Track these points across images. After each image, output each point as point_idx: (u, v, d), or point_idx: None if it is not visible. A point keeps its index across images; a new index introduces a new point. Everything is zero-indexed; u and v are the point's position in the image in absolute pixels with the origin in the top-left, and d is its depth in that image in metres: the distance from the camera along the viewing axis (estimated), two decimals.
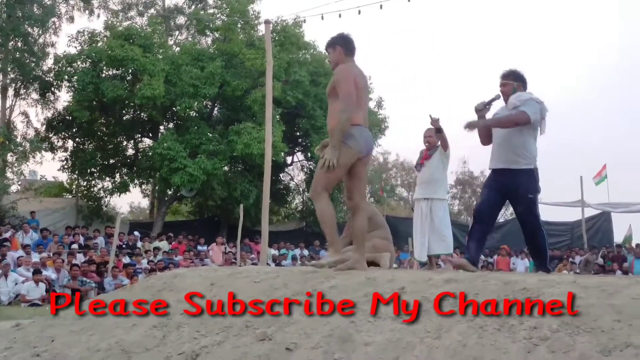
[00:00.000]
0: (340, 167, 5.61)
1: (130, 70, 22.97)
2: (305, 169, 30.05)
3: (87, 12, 27.81)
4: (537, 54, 72.43)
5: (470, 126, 6.53)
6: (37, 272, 14.17)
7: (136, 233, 21.48)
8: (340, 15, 13.58)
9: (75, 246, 17.64)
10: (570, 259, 21.35)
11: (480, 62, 73.71)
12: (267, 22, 12.66)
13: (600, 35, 72.07)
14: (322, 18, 13.96)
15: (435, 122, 8.03)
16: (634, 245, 22.40)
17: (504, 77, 6.71)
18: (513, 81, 6.65)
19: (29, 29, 23.88)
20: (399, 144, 57.37)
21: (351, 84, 5.64)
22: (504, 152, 6.52)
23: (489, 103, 6.75)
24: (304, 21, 23.57)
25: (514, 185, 6.45)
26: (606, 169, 24.69)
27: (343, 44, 6.02)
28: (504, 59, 69.93)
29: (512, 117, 6.42)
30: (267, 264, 16.48)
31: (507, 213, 42.86)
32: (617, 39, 71.95)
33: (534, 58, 71.57)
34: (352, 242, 6.15)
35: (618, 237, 26.01)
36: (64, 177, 26.86)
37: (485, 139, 6.84)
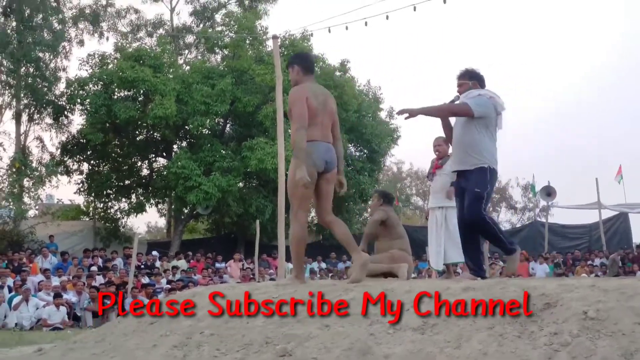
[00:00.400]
0: (307, 185, 5.72)
1: (141, 91, 23.08)
2: None
3: (96, 35, 28.06)
4: (547, 54, 72.28)
5: (403, 112, 6.36)
6: (57, 295, 14.23)
7: (155, 253, 21.53)
8: (347, 28, 13.63)
9: (94, 268, 17.71)
10: (590, 262, 21.22)
11: (489, 66, 73.56)
12: (274, 37, 12.71)
13: (606, 34, 71.84)
14: (329, 31, 14.00)
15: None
16: None
17: (459, 78, 6.63)
18: (468, 80, 6.54)
19: (40, 54, 24.08)
20: (413, 153, 57.44)
21: (301, 105, 5.78)
22: (458, 152, 6.41)
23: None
24: (312, 35, 23.68)
25: (466, 185, 6.26)
26: (622, 169, 24.57)
27: (300, 63, 6.21)
28: (512, 61, 69.87)
29: (451, 106, 6.40)
30: (285, 277, 16.50)
31: (524, 218, 42.86)
32: (623, 37, 71.68)
33: (544, 59, 71.41)
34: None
35: (637, 238, 25.86)
36: (80, 199, 27.02)
37: (448, 134, 6.73)
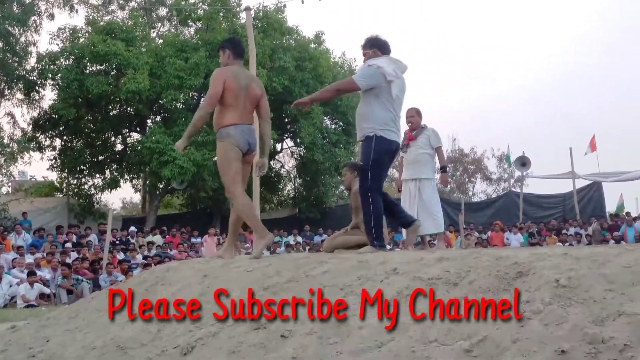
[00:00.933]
0: (231, 161, 6.07)
1: (114, 65, 22.84)
2: (295, 155, 30.06)
3: (67, 8, 27.60)
4: (524, 24, 72.47)
5: (297, 104, 6.49)
6: (31, 273, 14.13)
7: (132, 228, 21.44)
8: None
9: (68, 245, 17.59)
10: (564, 231, 21.44)
11: (468, 38, 73.65)
12: (247, 9, 12.59)
13: (585, 3, 72.10)
14: (303, 2, 13.90)
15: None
16: (625, 213, 22.55)
17: (362, 47, 6.66)
18: (369, 49, 6.55)
19: (10, 29, 23.68)
20: None
21: (217, 86, 6.02)
22: (357, 125, 6.53)
23: None
24: (285, 6, 23.51)
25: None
26: (595, 139, 24.76)
27: (231, 48, 6.39)
28: (490, 31, 70.02)
29: (336, 84, 6.68)
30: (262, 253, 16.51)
31: (499, 189, 43.14)
32: (605, 7, 71.98)
33: (521, 29, 71.63)
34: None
35: (610, 207, 26.16)
36: (53, 176, 26.81)
37: None
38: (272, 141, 23.97)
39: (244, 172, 6.30)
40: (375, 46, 6.53)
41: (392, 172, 47.67)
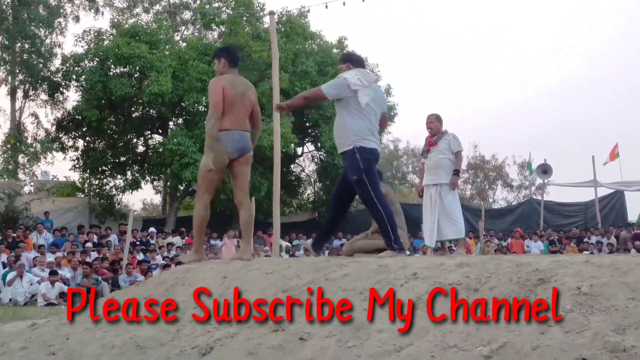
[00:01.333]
0: (213, 170, 6.33)
1: (137, 68, 22.95)
2: (315, 160, 30.04)
3: (92, 11, 27.80)
4: (546, 32, 72.05)
5: (277, 109, 6.97)
6: (53, 272, 14.24)
7: (152, 229, 21.54)
8: (344, 3, 13.50)
9: (89, 244, 17.72)
10: (586, 239, 21.28)
11: (490, 44, 73.40)
12: (271, 13, 12.60)
13: (606, 11, 71.62)
14: (327, 7, 13.90)
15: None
16: None
17: (338, 63, 7.07)
18: (343, 64, 6.81)
19: (36, 30, 23.89)
20: (410, 130, 57.37)
21: (216, 95, 6.29)
22: (335, 139, 6.69)
23: None
24: (309, 11, 23.54)
25: (345, 168, 6.59)
26: (618, 147, 24.57)
27: (227, 57, 6.63)
28: (510, 38, 69.71)
29: (304, 92, 7.03)
30: (280, 255, 16.53)
31: (520, 196, 42.88)
32: (630, 13, 71.47)
33: (541, 38, 71.25)
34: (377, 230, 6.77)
35: (632, 216, 25.92)
36: (75, 176, 26.95)
37: None
38: (293, 145, 24.09)
39: (241, 171, 6.62)
40: (349, 60, 6.80)
41: (413, 177, 47.79)
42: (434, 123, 8.68)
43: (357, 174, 6.31)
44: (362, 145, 6.33)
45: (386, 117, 6.99)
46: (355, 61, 6.77)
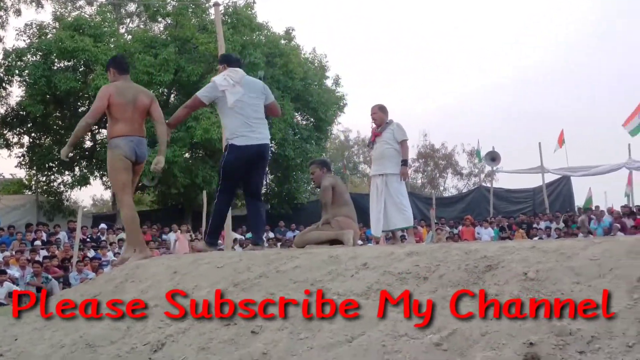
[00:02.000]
0: (119, 171, 6.54)
1: (82, 61, 22.63)
2: None
3: (34, 4, 27.25)
4: (494, 21, 72.95)
5: (169, 126, 7.10)
6: (1, 272, 13.94)
7: (102, 225, 21.24)
8: None
9: (37, 243, 17.40)
10: (535, 225, 21.61)
11: (440, 34, 73.99)
12: (216, 4, 12.57)
13: (554, 5, 72.78)
14: None
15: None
16: (593, 208, 22.78)
17: (217, 65, 7.56)
18: (220, 65, 7.23)
19: None
20: (360, 121, 57.52)
21: (100, 101, 6.54)
22: None
23: None
24: (255, 2, 23.40)
25: None
26: (564, 134, 25.01)
27: (114, 66, 6.90)
28: (461, 27, 70.39)
29: (187, 103, 7.05)
30: (233, 248, 16.46)
31: (469, 183, 43.40)
32: (571, 4, 72.75)
33: (491, 30, 72.14)
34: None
35: (579, 201, 26.43)
36: (22, 173, 26.50)
37: None
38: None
39: (134, 181, 6.76)
40: (225, 62, 7.15)
41: (364, 167, 48.00)
42: (378, 114, 8.72)
43: (220, 168, 6.82)
44: (232, 143, 6.70)
45: (274, 105, 7.19)
46: (230, 62, 7.07)
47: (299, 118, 28.19)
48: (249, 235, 21.54)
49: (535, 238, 18.38)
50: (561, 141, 24.90)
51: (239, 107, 6.66)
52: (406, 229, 8.97)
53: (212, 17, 24.00)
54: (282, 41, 26.46)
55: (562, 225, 21.25)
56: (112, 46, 23.18)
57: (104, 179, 28.37)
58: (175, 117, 7.19)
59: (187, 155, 24.01)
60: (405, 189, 8.81)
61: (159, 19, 26.97)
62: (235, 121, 6.68)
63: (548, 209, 24.24)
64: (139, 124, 6.69)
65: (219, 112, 6.94)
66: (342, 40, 71.98)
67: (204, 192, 19.49)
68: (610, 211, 21.96)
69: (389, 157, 8.55)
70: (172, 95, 26.25)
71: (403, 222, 8.55)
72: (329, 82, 28.71)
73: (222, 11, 22.54)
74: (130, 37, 26.33)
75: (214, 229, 6.99)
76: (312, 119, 28.05)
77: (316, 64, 28.55)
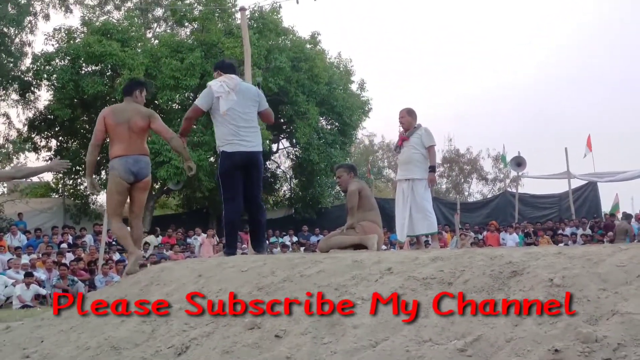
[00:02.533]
0: (112, 194, 6.80)
1: (109, 66, 22.82)
2: (291, 156, 30.06)
3: (62, 8, 27.53)
4: (520, 24, 72.54)
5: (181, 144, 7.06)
6: (28, 274, 14.10)
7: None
8: None
9: (64, 246, 17.57)
10: (560, 231, 21.44)
11: (464, 37, 73.72)
12: (242, 9, 12.59)
13: (579, 5, 72.24)
14: (298, 2, 13.88)
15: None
16: (620, 213, 22.55)
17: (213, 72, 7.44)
18: (215, 71, 7.27)
19: (5, 29, 23.64)
20: (385, 125, 57.39)
21: (98, 125, 6.85)
22: None
23: None
24: (280, 7, 23.50)
25: None
26: (591, 139, 24.80)
27: (122, 89, 7.31)
28: (484, 33, 70.07)
29: (187, 115, 7.13)
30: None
31: (494, 189, 43.17)
32: (602, 7, 72.14)
33: (515, 31, 71.72)
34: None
35: (605, 207, 26.18)
36: (49, 176, 26.75)
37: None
38: (268, 142, 24.05)
39: (136, 197, 6.96)
40: (219, 68, 7.18)
41: (389, 172, 47.92)
42: (406, 117, 8.68)
43: (216, 176, 6.94)
44: (223, 150, 6.80)
45: (267, 112, 7.16)
46: (225, 68, 7.10)
47: (324, 122, 28.24)
48: (273, 239, 21.63)
49: (561, 244, 18.24)
50: (590, 146, 24.69)
51: (230, 115, 6.73)
52: (430, 234, 8.94)
53: (238, 21, 24.08)
54: (308, 45, 26.51)
55: (588, 231, 21.05)
56: (139, 50, 23.37)
57: None
58: (182, 130, 7.21)
59: (212, 159, 24.10)
60: (430, 195, 8.78)
61: (186, 24, 27.12)
62: (225, 129, 6.77)
63: (574, 214, 24.04)
64: (137, 144, 6.80)
65: (212, 117, 6.99)
66: (368, 44, 71.93)
67: None
68: (638, 217, 21.73)
69: (415, 162, 8.51)
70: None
71: (427, 228, 8.52)
72: (354, 87, 28.77)
73: (248, 16, 22.61)
74: (157, 41, 26.51)
75: (229, 240, 7.08)
76: (337, 124, 28.07)
77: (341, 69, 28.61)
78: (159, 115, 7.08)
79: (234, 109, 6.73)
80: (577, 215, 24.15)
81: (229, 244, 7.04)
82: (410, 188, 8.51)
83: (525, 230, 21.87)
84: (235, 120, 6.75)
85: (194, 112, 6.99)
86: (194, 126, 23.31)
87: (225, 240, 7.06)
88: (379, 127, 77.35)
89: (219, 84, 6.76)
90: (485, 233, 21.94)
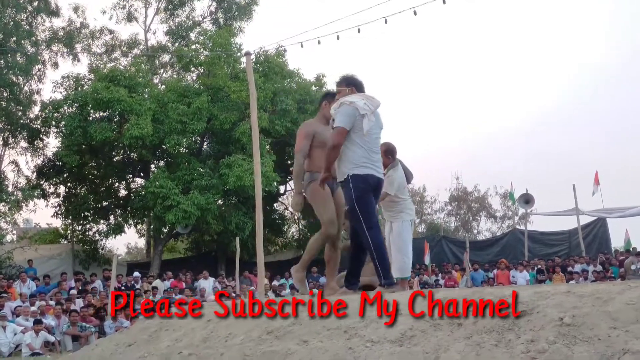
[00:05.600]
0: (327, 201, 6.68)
1: (117, 112, 23.00)
2: None
3: (70, 57, 27.93)
4: (525, 64, 72.93)
5: (324, 182, 6.41)
6: (37, 322, 14.05)
7: (137, 273, 21.39)
8: (319, 42, 13.61)
9: (73, 292, 17.53)
10: (570, 268, 21.29)
11: (469, 76, 74.12)
12: (247, 53, 12.67)
13: (584, 42, 72.67)
14: (302, 46, 14.00)
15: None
16: (632, 249, 22.39)
17: (337, 85, 6.67)
18: (345, 86, 6.52)
19: (14, 78, 23.93)
20: None
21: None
22: (336, 167, 6.39)
23: None
24: (285, 50, 23.71)
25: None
26: (598, 175, 24.77)
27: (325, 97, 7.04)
28: (488, 71, 70.47)
29: (332, 142, 6.19)
30: (266, 295, 16.43)
31: (503, 226, 42.96)
32: (601, 46, 72.58)
33: (519, 70, 72.09)
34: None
35: (615, 243, 26.04)
36: (58, 223, 26.85)
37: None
38: (275, 184, 24.11)
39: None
40: (352, 84, 6.52)
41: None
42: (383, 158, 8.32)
43: (349, 203, 6.14)
44: (355, 173, 6.10)
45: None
46: (358, 85, 6.54)
47: None
48: (282, 281, 21.53)
49: (572, 281, 18.12)
50: (597, 181, 24.66)
51: (368, 137, 6.17)
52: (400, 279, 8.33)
53: (244, 65, 24.35)
54: (313, 87, 26.70)
55: (599, 267, 20.90)
56: (146, 96, 23.58)
57: (138, 226, 28.68)
58: (328, 165, 6.31)
59: (220, 202, 24.15)
60: (409, 236, 8.57)
61: (192, 69, 27.39)
62: (359, 151, 6.13)
63: (584, 251, 23.90)
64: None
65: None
66: (373, 86, 72.27)
67: (237, 239, 19.55)
68: None
69: (390, 202, 8.33)
70: (205, 143, 26.54)
71: (398, 272, 8.07)
72: None
73: (254, 60, 22.84)
74: (163, 86, 26.80)
75: (385, 266, 6.17)
76: None
77: None
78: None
79: (372, 131, 6.21)
80: (587, 251, 24.03)
81: (386, 274, 6.12)
82: (390, 228, 8.42)
83: (537, 267, 21.73)
84: (369, 143, 6.20)
85: (340, 135, 6.12)
86: (201, 169, 23.43)
87: (380, 270, 6.08)
88: None
89: (362, 102, 6.17)
90: (495, 271, 21.81)
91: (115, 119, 23.86)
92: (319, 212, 6.68)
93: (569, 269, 21.17)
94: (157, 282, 19.87)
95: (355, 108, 6.09)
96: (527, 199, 25.60)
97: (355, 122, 6.11)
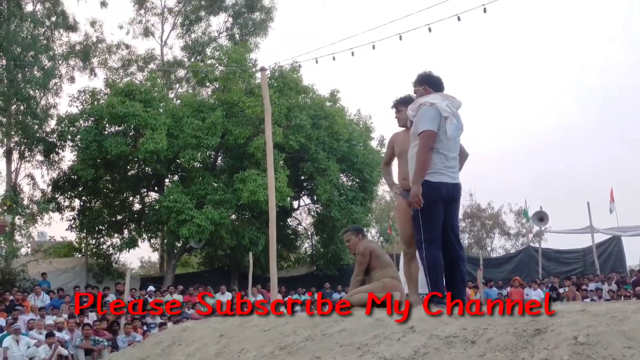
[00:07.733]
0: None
1: (132, 126, 23.12)
2: (312, 213, 30.03)
3: (87, 71, 28.14)
4: (538, 79, 72.82)
5: (416, 204, 5.60)
6: (50, 335, 14.09)
7: (150, 287, 21.43)
8: (334, 58, 13.64)
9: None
10: (584, 287, 21.14)
11: (482, 92, 74.06)
12: (262, 69, 12.80)
13: (596, 58, 72.50)
14: (317, 62, 14.05)
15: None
16: None
17: (413, 85, 6.15)
18: (419, 86, 6.02)
19: (31, 92, 24.12)
20: None
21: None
22: (410, 170, 5.85)
23: None
24: (300, 66, 23.79)
25: None
26: (613, 193, 24.66)
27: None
28: (502, 87, 70.37)
29: (421, 149, 5.60)
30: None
31: (517, 244, 42.78)
32: (613, 62, 72.38)
33: (534, 85, 71.97)
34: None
35: (630, 262, 25.86)
36: (72, 236, 26.93)
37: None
38: (289, 199, 24.12)
39: None
40: (426, 82, 6.00)
41: None
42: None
43: (413, 211, 5.70)
44: (427, 179, 5.58)
45: (463, 149, 6.21)
46: (434, 83, 6.02)
47: (345, 179, 28.30)
48: (295, 296, 21.50)
49: (587, 300, 17.97)
50: (612, 198, 24.55)
51: (447, 142, 5.70)
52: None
53: (259, 81, 24.43)
54: (328, 103, 26.74)
55: (614, 286, 20.74)
56: (161, 111, 23.71)
57: (152, 241, 28.75)
58: (419, 179, 5.57)
59: (233, 217, 24.17)
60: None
61: (207, 84, 27.50)
62: (435, 157, 5.62)
63: (599, 269, 23.74)
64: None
65: (413, 142, 5.76)
66: (387, 101, 72.21)
67: (250, 254, 19.56)
68: None
69: None
70: (219, 158, 26.61)
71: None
72: (373, 143, 28.85)
73: (269, 75, 22.90)
74: (179, 101, 26.93)
75: (435, 281, 5.68)
76: (357, 180, 28.11)
77: (361, 125, 28.77)
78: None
79: (453, 135, 5.74)
80: (602, 270, 23.85)
81: (436, 288, 5.66)
82: None
83: (551, 285, 21.60)
84: (448, 147, 5.70)
85: (429, 141, 5.57)
86: (215, 184, 23.49)
87: (429, 287, 5.66)
88: None
89: (444, 103, 5.69)
90: (509, 289, 21.68)
91: (130, 133, 23.98)
92: (399, 229, 6.39)
93: (583, 287, 21.02)
94: (172, 296, 19.88)
95: (438, 110, 5.64)
96: (541, 217, 25.48)
97: (439, 125, 5.63)
